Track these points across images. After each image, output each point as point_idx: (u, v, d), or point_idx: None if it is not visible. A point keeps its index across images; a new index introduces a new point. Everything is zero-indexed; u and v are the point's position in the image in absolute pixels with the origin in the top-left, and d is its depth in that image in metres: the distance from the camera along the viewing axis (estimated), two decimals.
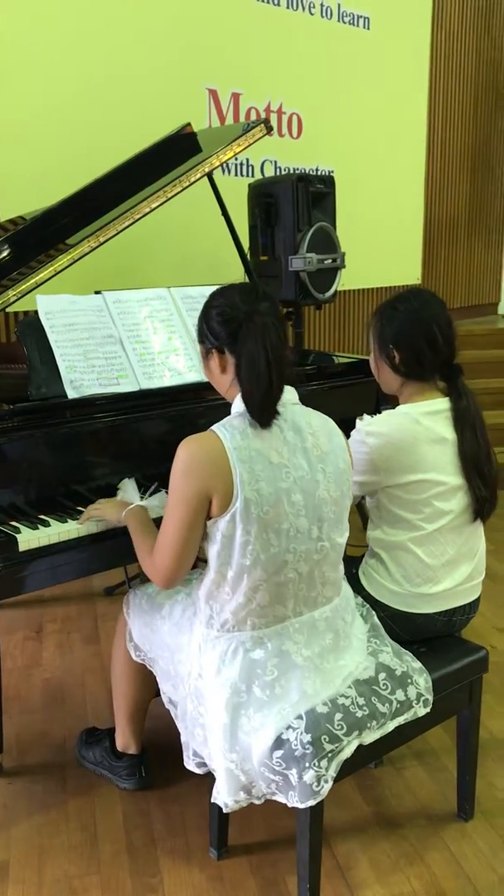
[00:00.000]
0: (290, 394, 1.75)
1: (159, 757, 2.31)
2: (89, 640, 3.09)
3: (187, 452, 1.65)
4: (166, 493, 1.71)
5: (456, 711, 2.05)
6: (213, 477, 1.61)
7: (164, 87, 3.93)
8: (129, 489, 2.07)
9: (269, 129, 2.76)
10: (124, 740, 2.22)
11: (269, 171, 4.58)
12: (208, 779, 1.83)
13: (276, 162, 4.60)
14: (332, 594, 1.82)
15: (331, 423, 1.81)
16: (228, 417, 1.72)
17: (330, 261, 3.51)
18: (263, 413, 1.67)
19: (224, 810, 1.79)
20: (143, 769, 2.22)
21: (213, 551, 1.67)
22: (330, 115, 4.85)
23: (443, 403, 2.05)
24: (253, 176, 4.45)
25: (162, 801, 2.20)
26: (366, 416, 2.08)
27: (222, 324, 1.72)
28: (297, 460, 1.69)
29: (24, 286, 2.24)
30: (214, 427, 1.69)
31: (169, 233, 3.40)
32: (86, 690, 2.74)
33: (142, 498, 2.04)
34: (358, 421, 2.07)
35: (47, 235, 2.47)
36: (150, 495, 2.07)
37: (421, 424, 2.01)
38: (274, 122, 4.53)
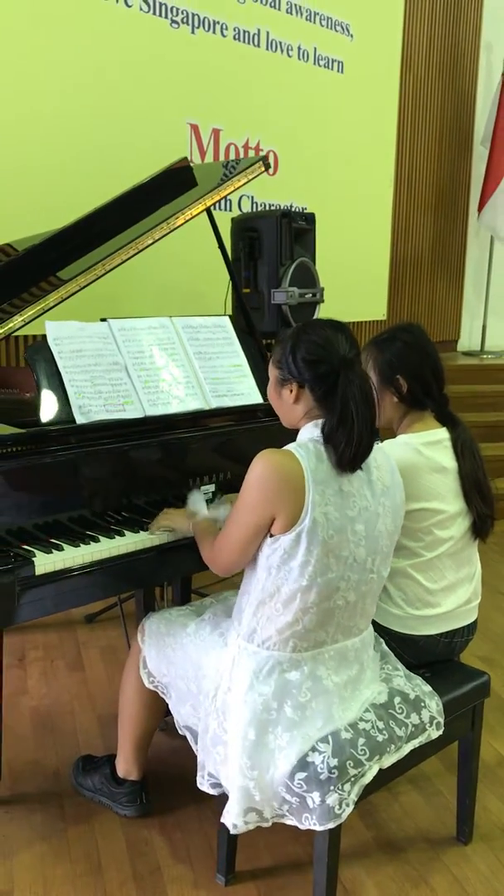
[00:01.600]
0: None
1: (158, 783, 2.31)
2: (74, 668, 3.06)
3: (265, 466, 1.67)
4: (230, 503, 1.74)
5: (459, 736, 2.09)
6: (284, 494, 1.64)
7: (148, 119, 4.01)
8: (197, 500, 2.11)
9: (267, 167, 2.83)
10: (126, 766, 2.20)
11: (246, 206, 4.67)
12: (210, 804, 1.84)
13: (252, 197, 4.70)
14: (364, 626, 1.86)
15: (391, 461, 1.88)
16: (301, 440, 1.75)
17: (310, 295, 3.61)
18: (354, 466, 1.71)
19: (232, 831, 1.78)
20: (143, 795, 2.21)
21: (271, 565, 1.69)
22: (304, 154, 4.97)
23: (442, 433, 2.13)
24: (231, 210, 4.53)
25: (163, 827, 2.19)
26: None
27: (310, 363, 1.72)
28: (363, 491, 1.74)
29: (30, 312, 2.26)
30: (291, 446, 1.71)
31: (148, 263, 3.44)
32: (75, 718, 2.72)
33: (208, 507, 2.10)
34: None
35: (50, 263, 2.49)
36: (217, 506, 2.10)
37: (422, 454, 2.07)
38: None
